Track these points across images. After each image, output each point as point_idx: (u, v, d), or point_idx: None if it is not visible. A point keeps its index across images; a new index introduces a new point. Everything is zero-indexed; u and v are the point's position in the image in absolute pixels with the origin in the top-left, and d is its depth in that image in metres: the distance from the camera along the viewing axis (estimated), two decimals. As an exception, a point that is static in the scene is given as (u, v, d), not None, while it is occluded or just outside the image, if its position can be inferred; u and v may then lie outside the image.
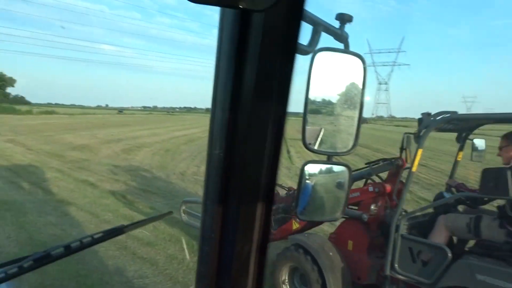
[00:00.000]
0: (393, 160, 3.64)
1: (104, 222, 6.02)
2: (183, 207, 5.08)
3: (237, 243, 0.64)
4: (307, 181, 1.03)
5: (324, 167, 1.11)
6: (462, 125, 3.68)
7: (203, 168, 11.40)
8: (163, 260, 4.68)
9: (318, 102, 1.04)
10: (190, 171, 11.11)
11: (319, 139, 1.12)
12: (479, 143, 4.05)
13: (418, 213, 3.51)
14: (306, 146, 0.99)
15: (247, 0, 0.46)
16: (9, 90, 60.14)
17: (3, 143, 15.92)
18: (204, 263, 0.67)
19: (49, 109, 67.51)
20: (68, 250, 0.89)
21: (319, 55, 0.93)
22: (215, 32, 0.57)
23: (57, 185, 8.41)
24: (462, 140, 3.96)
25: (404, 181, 3.43)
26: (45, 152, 13.88)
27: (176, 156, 14.51)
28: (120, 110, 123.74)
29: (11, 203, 6.71)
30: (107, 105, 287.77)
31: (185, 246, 5.04)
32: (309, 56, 0.92)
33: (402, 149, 3.57)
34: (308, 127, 0.96)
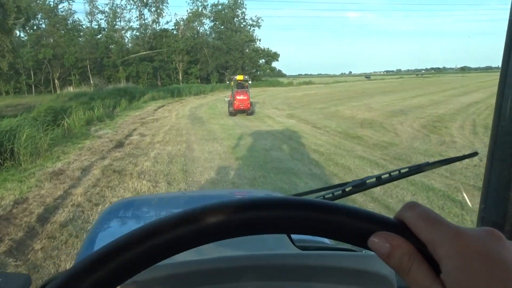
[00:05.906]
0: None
1: None
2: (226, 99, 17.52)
3: None
4: None
5: None
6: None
7: None
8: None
9: None
10: None
11: None
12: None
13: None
14: None
15: None
16: (273, 64, 65.96)
17: (286, 119, 14.96)
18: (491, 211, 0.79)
19: (306, 79, 71.01)
20: (379, 181, 0.87)
21: None
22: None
23: (390, 194, 5.59)
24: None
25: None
26: (334, 131, 11.76)
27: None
28: (367, 76, 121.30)
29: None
30: (350, 72, 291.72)
31: (465, 195, 5.32)
32: None
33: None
34: None
